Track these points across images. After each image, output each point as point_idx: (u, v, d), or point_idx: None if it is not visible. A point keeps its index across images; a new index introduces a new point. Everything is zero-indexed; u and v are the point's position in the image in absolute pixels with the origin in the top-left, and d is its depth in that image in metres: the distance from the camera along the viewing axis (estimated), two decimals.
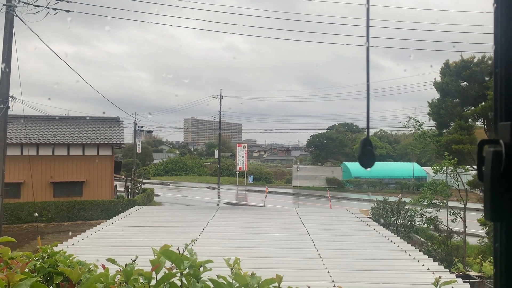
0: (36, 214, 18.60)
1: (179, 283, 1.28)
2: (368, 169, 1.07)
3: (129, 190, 31.05)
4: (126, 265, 1.33)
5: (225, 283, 1.30)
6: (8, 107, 11.76)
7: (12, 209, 23.37)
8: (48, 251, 2.04)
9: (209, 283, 1.35)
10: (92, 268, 1.90)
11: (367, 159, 1.06)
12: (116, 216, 10.94)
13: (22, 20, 11.53)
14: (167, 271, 1.30)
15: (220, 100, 52.72)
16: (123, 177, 33.42)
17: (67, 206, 24.68)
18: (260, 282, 1.42)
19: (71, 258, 1.99)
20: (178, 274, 1.22)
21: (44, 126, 27.00)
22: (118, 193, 30.22)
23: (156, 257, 1.29)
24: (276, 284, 1.33)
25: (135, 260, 1.37)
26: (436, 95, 17.74)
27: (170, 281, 1.20)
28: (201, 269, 1.31)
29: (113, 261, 1.43)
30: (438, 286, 1.72)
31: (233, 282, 1.41)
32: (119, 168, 31.99)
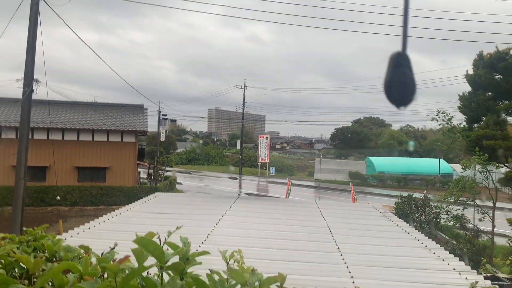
0: (58, 198, 18.91)
1: (162, 279, 1.06)
2: (402, 107, 0.72)
3: (152, 177, 31.33)
4: (102, 254, 1.12)
5: (217, 280, 1.08)
6: (32, 90, 11.86)
7: (38, 192, 23.90)
8: (37, 234, 1.85)
9: (204, 279, 1.13)
10: (83, 255, 1.72)
11: (400, 89, 0.69)
12: (136, 201, 10.91)
13: (47, 2, 11.54)
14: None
15: (244, 91, 52.55)
16: (147, 164, 33.73)
17: (90, 191, 25.08)
18: (262, 281, 1.18)
19: (59, 243, 1.81)
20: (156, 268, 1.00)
21: (70, 112, 27.43)
22: (141, 180, 30.53)
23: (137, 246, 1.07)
24: (278, 284, 1.09)
25: (114, 248, 1.16)
26: (466, 89, 17.03)
27: (146, 276, 0.98)
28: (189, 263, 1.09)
29: (86, 249, 1.23)
30: None
31: (229, 279, 1.18)
32: (142, 156, 32.29)
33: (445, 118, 15.89)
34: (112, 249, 1.14)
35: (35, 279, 1.24)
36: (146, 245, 0.99)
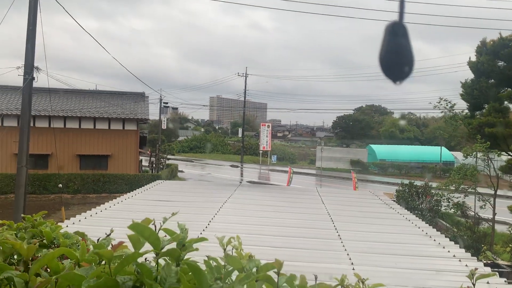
0: (60, 185, 18.98)
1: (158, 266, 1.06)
2: (398, 82, 0.69)
3: (154, 165, 31.38)
4: (98, 240, 1.12)
5: (214, 266, 1.07)
6: (33, 78, 11.82)
7: (40, 179, 23.99)
8: (35, 221, 1.85)
9: (201, 265, 1.12)
10: (81, 242, 1.71)
11: (397, 62, 0.65)
12: (138, 189, 10.95)
13: None
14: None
15: (246, 79, 52.28)
16: (148, 152, 33.76)
17: (92, 179, 25.15)
18: (259, 267, 1.17)
19: (57, 230, 1.81)
20: (152, 254, 0.99)
21: (71, 99, 27.37)
22: (143, 168, 30.59)
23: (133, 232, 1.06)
24: (275, 270, 1.09)
25: (110, 234, 1.15)
26: (469, 76, 16.89)
27: (141, 263, 0.97)
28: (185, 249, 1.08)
29: (82, 235, 1.23)
30: (474, 279, 1.44)
31: (227, 265, 1.17)
32: (144, 144, 32.29)
33: (447, 105, 15.82)
34: (108, 235, 1.13)
35: (30, 266, 1.23)
36: (141, 231, 0.98)
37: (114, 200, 8.96)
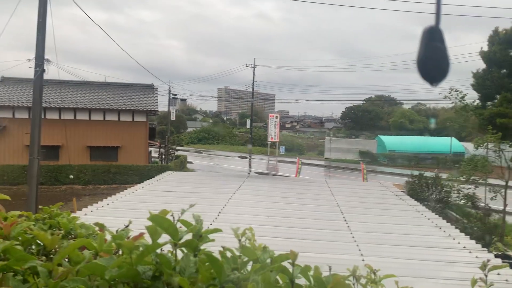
0: (72, 176, 19.22)
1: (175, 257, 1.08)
2: (435, 84, 0.70)
3: (163, 156, 31.58)
4: (117, 231, 1.14)
5: (229, 256, 1.09)
6: (44, 70, 11.91)
7: (52, 171, 24.28)
8: (52, 212, 1.89)
9: (216, 255, 1.14)
10: (98, 232, 1.75)
11: (433, 65, 0.67)
12: (148, 180, 11.05)
13: None
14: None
15: (254, 70, 52.10)
16: (158, 143, 33.97)
17: (103, 170, 25.41)
18: (273, 257, 1.20)
19: (74, 221, 1.84)
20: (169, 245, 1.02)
21: (81, 91, 27.56)
22: (152, 159, 30.81)
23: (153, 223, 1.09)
24: (290, 261, 1.11)
25: (128, 225, 1.18)
26: (481, 66, 16.67)
27: (160, 253, 1.00)
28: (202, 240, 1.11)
29: (101, 226, 1.25)
30: (486, 270, 1.45)
31: (242, 256, 1.19)
32: (153, 135, 32.49)
33: (458, 96, 15.65)
34: (127, 226, 1.16)
35: (51, 256, 1.27)
36: (160, 222, 1.01)
37: (125, 191, 9.05)
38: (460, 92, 15.69)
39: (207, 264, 1.08)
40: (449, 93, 15.65)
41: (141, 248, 0.95)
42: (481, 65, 16.50)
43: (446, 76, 0.68)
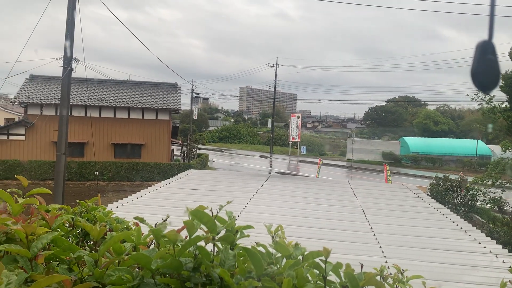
0: (97, 173, 19.64)
1: (211, 249, 1.13)
2: (487, 92, 0.78)
3: (185, 154, 31.91)
4: (155, 224, 1.20)
5: (264, 252, 1.13)
6: (72, 69, 12.22)
7: (77, 167, 24.86)
8: (88, 206, 1.97)
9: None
10: (133, 227, 1.82)
11: (486, 75, 0.75)
12: (171, 178, 11.21)
13: None
14: (205, 234, 1.15)
15: (276, 69, 52.09)
16: (180, 142, 34.33)
17: (126, 167, 25.86)
18: (305, 254, 1.23)
19: (109, 215, 1.92)
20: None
21: (106, 89, 28.10)
22: (175, 157, 31.17)
23: (190, 218, 1.14)
24: (323, 258, 1.14)
25: (166, 219, 1.23)
26: (509, 67, 16.22)
27: (200, 245, 1.04)
28: (238, 235, 1.15)
29: (141, 220, 1.31)
30: None
31: (274, 252, 1.23)
32: (176, 133, 32.86)
33: (485, 97, 15.29)
34: (165, 220, 1.22)
35: (87, 248, 1.33)
36: (200, 217, 1.05)
37: (148, 188, 9.22)
38: (487, 94, 15.32)
39: (241, 258, 1.13)
40: (476, 94, 15.32)
41: (180, 241, 1.00)
42: (510, 66, 16.07)
43: (497, 84, 0.74)
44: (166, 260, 0.97)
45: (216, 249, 1.19)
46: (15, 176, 2.01)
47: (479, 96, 14.99)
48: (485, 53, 0.74)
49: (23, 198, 1.55)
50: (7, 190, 1.69)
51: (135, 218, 1.36)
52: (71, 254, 1.14)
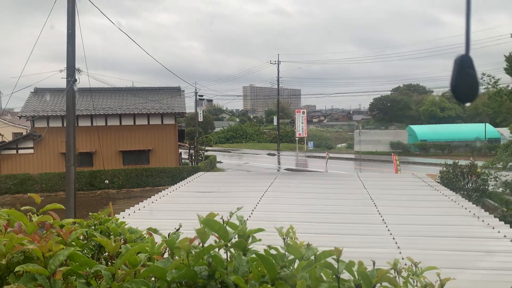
0: (107, 181, 19.78)
1: (225, 256, 1.15)
2: (467, 104, 0.81)
3: (193, 157, 32.02)
4: (169, 234, 1.22)
5: (276, 254, 1.14)
6: (75, 80, 12.30)
7: (87, 177, 25.04)
8: (101, 218, 2.00)
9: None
10: (146, 236, 1.84)
11: (466, 88, 0.79)
12: (181, 182, 11.26)
13: None
14: (217, 241, 1.17)
15: (278, 66, 52.04)
16: (187, 145, 34.44)
17: (135, 173, 26.00)
18: (317, 254, 1.24)
19: (122, 225, 1.94)
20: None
21: (110, 98, 28.26)
22: (182, 160, 31.28)
23: (202, 226, 1.16)
24: (335, 257, 1.15)
25: (179, 229, 1.25)
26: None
27: (213, 254, 1.06)
28: (250, 239, 1.17)
29: (154, 231, 1.33)
30: None
31: (286, 254, 1.25)
32: (182, 137, 32.96)
33: (490, 81, 15.16)
34: (177, 230, 1.23)
35: (102, 260, 1.35)
36: (211, 225, 1.07)
37: (159, 193, 9.26)
38: (492, 77, 15.20)
39: (254, 263, 1.14)
40: (481, 78, 15.17)
41: (195, 250, 1.01)
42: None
43: (476, 95, 0.78)
44: (181, 270, 0.98)
45: (229, 254, 1.21)
46: (28, 194, 2.04)
47: (484, 80, 14.86)
48: (464, 67, 0.78)
49: (37, 215, 1.58)
50: (22, 208, 1.72)
51: (149, 229, 1.38)
52: (88, 269, 1.17)
